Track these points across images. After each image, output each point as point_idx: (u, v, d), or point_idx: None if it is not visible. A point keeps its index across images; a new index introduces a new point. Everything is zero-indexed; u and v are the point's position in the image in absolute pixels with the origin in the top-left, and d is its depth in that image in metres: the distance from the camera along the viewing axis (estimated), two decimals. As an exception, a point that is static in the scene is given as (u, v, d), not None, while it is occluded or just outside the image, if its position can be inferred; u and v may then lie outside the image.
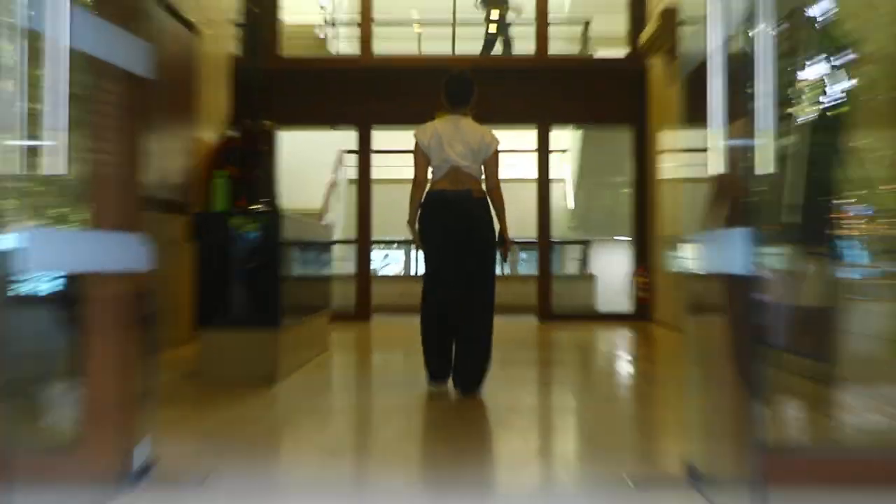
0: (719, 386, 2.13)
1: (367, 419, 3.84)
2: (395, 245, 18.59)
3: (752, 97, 1.87)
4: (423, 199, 4.40)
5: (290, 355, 5.01)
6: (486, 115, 9.23)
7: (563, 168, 14.56)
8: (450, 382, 4.44)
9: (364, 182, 9.46)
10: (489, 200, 4.39)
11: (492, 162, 4.41)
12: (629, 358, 6.46)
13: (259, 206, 4.88)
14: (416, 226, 4.43)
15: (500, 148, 4.32)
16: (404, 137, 14.91)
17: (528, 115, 9.38)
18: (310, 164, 14.25)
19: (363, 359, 6.53)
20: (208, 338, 4.69)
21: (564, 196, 14.23)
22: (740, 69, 1.97)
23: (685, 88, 2.52)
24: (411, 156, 4.51)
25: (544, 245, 9.43)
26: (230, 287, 4.64)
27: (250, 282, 4.65)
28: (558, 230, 13.88)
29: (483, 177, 4.41)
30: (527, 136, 10.58)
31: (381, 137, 11.95)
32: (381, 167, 13.48)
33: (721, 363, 2.14)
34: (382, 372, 5.61)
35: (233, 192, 4.89)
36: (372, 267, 17.51)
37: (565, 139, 14.03)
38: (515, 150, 13.96)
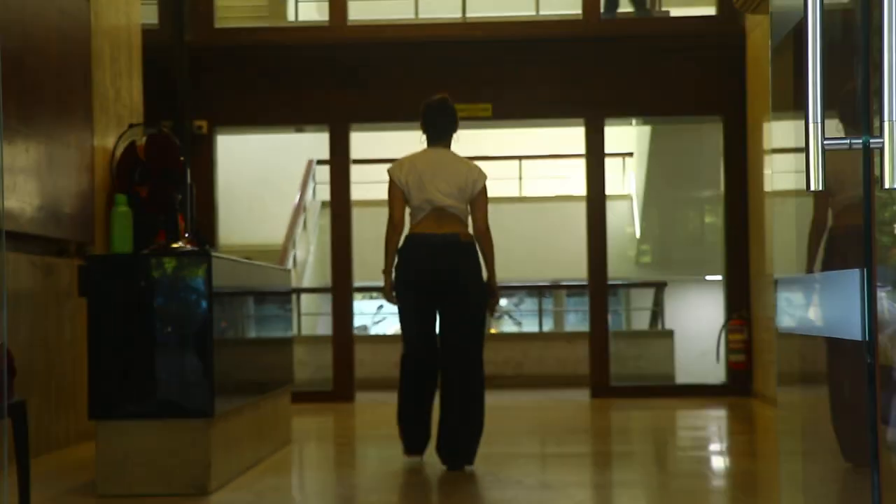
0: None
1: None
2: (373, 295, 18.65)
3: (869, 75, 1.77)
4: (401, 245, 5.09)
5: (230, 454, 4.94)
6: (510, 108, 9.46)
7: (628, 179, 14.56)
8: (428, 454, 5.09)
9: (340, 205, 9.44)
10: (477, 245, 5.10)
11: (480, 201, 5.09)
12: (721, 453, 6.33)
13: (180, 244, 4.83)
14: (393, 276, 5.15)
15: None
16: (396, 141, 15.01)
17: (570, 106, 9.35)
18: (268, 181, 14.35)
19: (339, 457, 6.45)
20: (107, 434, 4.61)
21: (630, 218, 14.22)
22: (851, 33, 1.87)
23: (781, 56, 2.46)
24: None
25: (598, 289, 9.35)
26: (138, 361, 4.58)
27: (166, 353, 4.59)
28: (620, 267, 13.87)
29: (469, 218, 5.12)
30: (571, 136, 10.51)
31: (365, 142, 12.01)
32: (365, 184, 13.59)
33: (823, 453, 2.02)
34: (363, 475, 5.52)
35: (142, 224, 4.85)
36: (359, 324, 17.65)
37: (628, 138, 14.05)
38: (552, 154, 14.08)
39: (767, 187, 8.34)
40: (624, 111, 9.63)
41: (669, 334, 11.14)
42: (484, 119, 9.45)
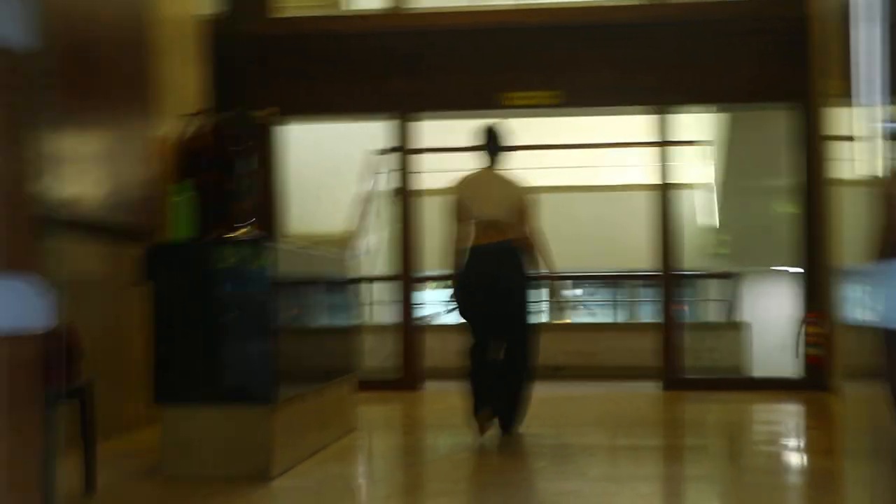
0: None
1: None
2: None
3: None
4: (467, 255, 6.18)
5: (292, 440, 4.99)
6: (578, 95, 9.33)
7: (703, 168, 14.36)
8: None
9: (407, 193, 9.44)
10: (527, 247, 6.18)
11: (527, 213, 6.20)
12: (795, 449, 6.23)
13: (243, 231, 4.88)
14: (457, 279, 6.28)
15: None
16: (463, 129, 14.82)
17: (635, 92, 9.24)
18: (334, 170, 14.39)
19: (403, 445, 6.48)
20: (172, 419, 4.70)
21: (706, 208, 14.02)
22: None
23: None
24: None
25: (669, 280, 9.24)
26: (201, 347, 4.65)
27: (230, 340, 4.65)
28: (696, 257, 13.67)
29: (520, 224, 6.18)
30: (645, 124, 10.40)
31: (432, 130, 11.98)
32: (438, 172, 13.55)
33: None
34: (427, 464, 5.54)
35: (203, 211, 4.92)
36: (428, 312, 17.56)
37: (701, 126, 13.84)
38: (625, 143, 13.91)
39: (840, 176, 8.17)
40: (692, 98, 9.44)
41: (745, 326, 10.98)
42: (552, 107, 9.36)
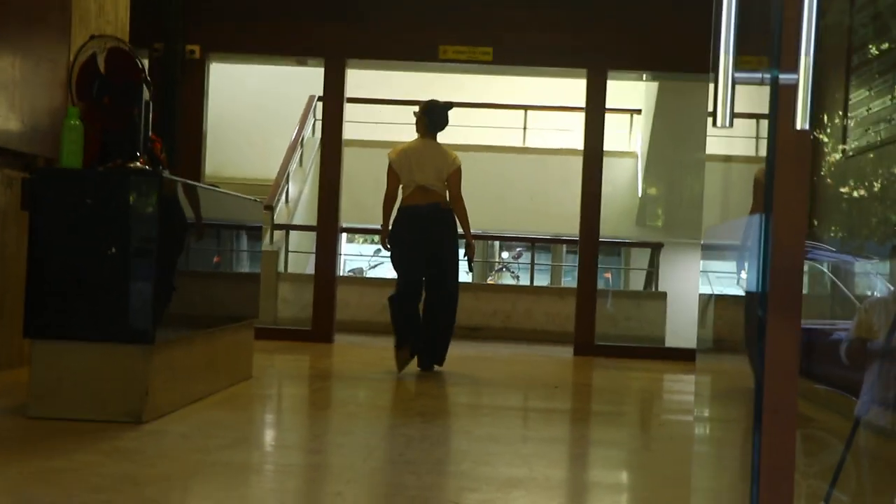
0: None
1: (263, 480, 3.60)
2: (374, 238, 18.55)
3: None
4: (396, 213, 7.01)
5: (172, 384, 4.81)
6: (511, 53, 9.22)
7: (635, 136, 14.36)
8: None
9: (331, 143, 9.25)
10: (453, 211, 7.05)
11: (454, 178, 7.05)
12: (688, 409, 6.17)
13: (136, 164, 4.66)
14: (389, 234, 7.09)
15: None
16: (395, 82, 14.69)
17: (573, 54, 9.13)
18: (271, 115, 14.18)
19: (298, 393, 6.33)
20: (41, 356, 4.49)
21: (634, 177, 14.03)
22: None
23: None
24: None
25: (588, 248, 9.17)
26: (78, 281, 4.44)
27: (107, 275, 4.44)
28: (621, 226, 13.68)
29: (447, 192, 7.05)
30: (578, 88, 10.28)
31: (365, 79, 11.78)
32: (365, 123, 13.45)
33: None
34: (317, 412, 5.40)
35: (98, 142, 4.69)
36: (355, 266, 17.57)
37: (637, 94, 13.80)
38: (558, 106, 13.84)
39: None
40: (628, 64, 9.36)
41: (662, 296, 10.97)
42: (484, 63, 9.23)
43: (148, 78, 4.96)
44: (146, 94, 4.70)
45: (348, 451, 4.25)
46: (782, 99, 1.67)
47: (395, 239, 7.08)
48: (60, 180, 4.55)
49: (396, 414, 5.49)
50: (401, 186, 7.08)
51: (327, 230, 9.26)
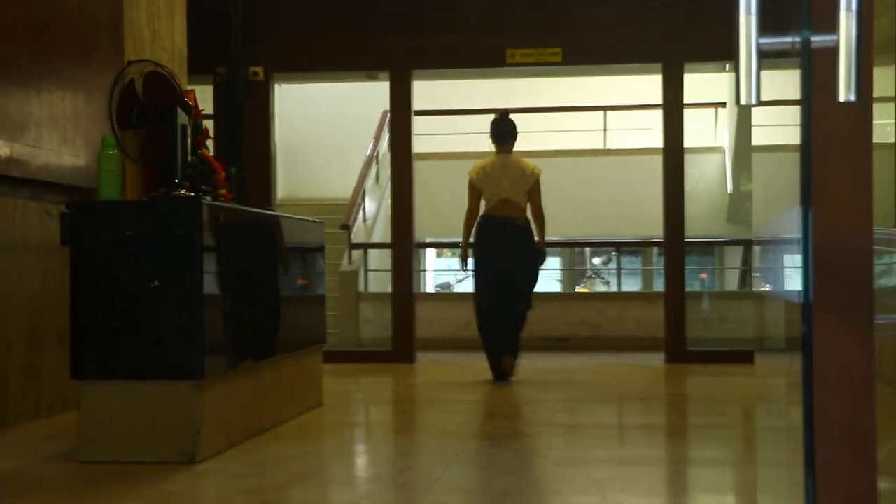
0: None
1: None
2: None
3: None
4: (476, 224, 7.29)
5: (227, 420, 4.62)
6: (581, 52, 8.94)
7: (720, 131, 13.95)
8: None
9: (400, 156, 9.06)
10: (532, 221, 7.32)
11: (534, 190, 7.29)
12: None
13: (179, 192, 4.49)
14: (469, 248, 7.39)
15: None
16: (470, 90, 14.52)
17: (646, 48, 8.78)
18: (346, 133, 14.10)
19: (369, 420, 6.11)
20: (90, 396, 4.33)
21: (722, 172, 13.61)
22: None
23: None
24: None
25: (673, 249, 8.82)
26: (122, 318, 4.27)
27: (151, 309, 4.27)
28: (712, 224, 13.27)
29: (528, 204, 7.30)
30: (652, 86, 9.95)
31: (436, 89, 11.59)
32: (445, 135, 13.27)
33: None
34: (386, 444, 5.15)
35: (137, 171, 4.54)
36: (441, 282, 17.35)
37: (721, 87, 13.38)
38: (638, 105, 13.48)
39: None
40: (706, 54, 8.97)
41: (759, 298, 10.51)
42: (553, 64, 8.97)
43: (187, 101, 4.79)
44: (182, 118, 4.51)
45: (409, 485, 3.99)
46: (816, 66, 1.36)
47: (475, 249, 7.34)
48: (98, 213, 4.39)
49: (466, 437, 5.22)
50: (483, 201, 7.33)
51: (402, 247, 9.08)
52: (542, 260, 7.40)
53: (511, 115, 7.55)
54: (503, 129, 7.42)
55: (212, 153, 5.63)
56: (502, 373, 7.23)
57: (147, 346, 4.30)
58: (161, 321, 4.29)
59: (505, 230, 7.18)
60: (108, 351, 4.32)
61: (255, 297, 5.13)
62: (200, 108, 6.35)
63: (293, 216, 5.92)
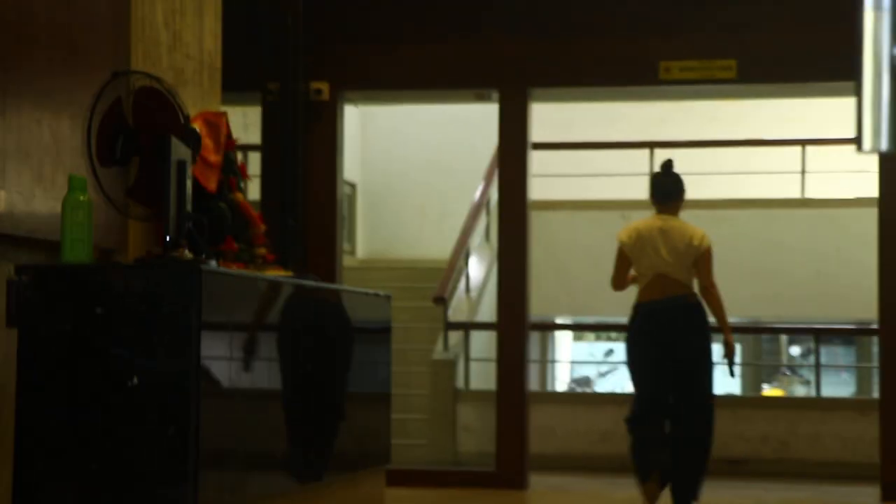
0: None
1: None
2: (617, 336, 17.88)
3: None
4: (632, 310, 7.41)
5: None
6: (751, 66, 8.66)
7: None
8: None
9: (513, 203, 8.89)
10: (705, 303, 7.33)
11: (703, 264, 7.26)
12: None
13: (179, 253, 4.35)
14: (626, 337, 7.60)
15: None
16: (614, 116, 14.54)
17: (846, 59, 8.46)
18: (451, 171, 14.03)
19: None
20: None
21: None
22: None
23: None
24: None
25: (893, 336, 8.47)
26: (84, 432, 4.14)
27: (131, 418, 4.13)
28: None
29: (696, 280, 7.32)
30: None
31: (560, 117, 11.41)
32: (569, 178, 13.05)
33: None
34: None
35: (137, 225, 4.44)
36: (579, 375, 17.10)
37: None
38: (840, 139, 13.09)
39: None
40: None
41: None
42: (725, 82, 8.77)
43: (191, 126, 4.65)
44: (180, 151, 4.34)
45: None
46: None
47: (630, 343, 7.48)
48: (57, 282, 4.25)
49: None
50: (636, 276, 7.44)
51: (512, 328, 8.90)
52: (732, 353, 7.48)
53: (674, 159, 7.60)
54: (667, 186, 7.48)
55: (252, 197, 5.52)
56: (653, 497, 7.28)
57: (119, 474, 4.14)
58: (140, 435, 4.13)
59: (673, 315, 7.26)
60: (64, 479, 4.15)
61: (281, 402, 5.00)
62: (235, 137, 6.35)
63: (346, 288, 5.89)
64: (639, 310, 7.35)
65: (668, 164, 7.55)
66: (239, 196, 6.05)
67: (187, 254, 4.45)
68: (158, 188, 4.46)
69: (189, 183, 4.50)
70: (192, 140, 4.63)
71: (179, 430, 4.11)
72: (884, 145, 1.15)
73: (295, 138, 8.80)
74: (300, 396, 5.20)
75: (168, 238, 4.34)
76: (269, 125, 8.93)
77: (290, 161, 8.75)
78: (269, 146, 8.85)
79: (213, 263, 4.49)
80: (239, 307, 4.58)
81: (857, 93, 1.38)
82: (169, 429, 4.12)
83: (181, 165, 4.39)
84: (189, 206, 4.48)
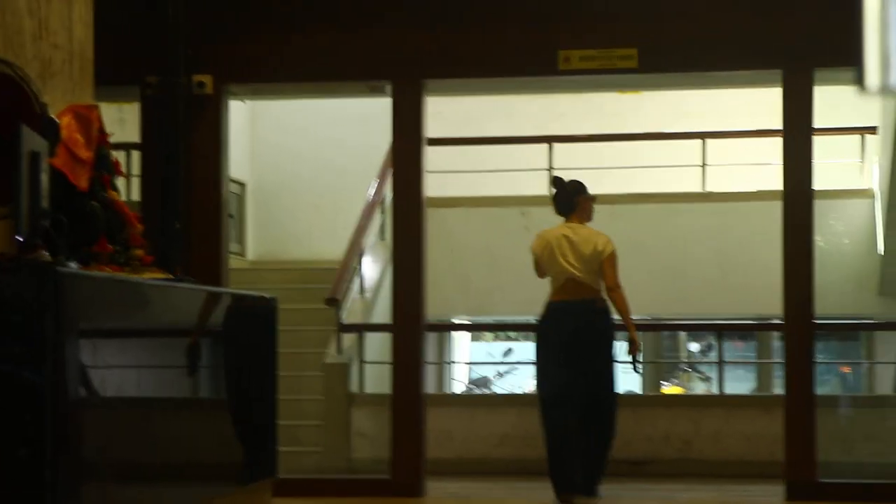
0: None
1: None
2: (516, 335, 17.72)
3: None
4: (544, 307, 8.09)
5: None
6: (664, 54, 8.55)
7: (869, 167, 13.59)
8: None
9: (406, 200, 8.66)
10: (610, 304, 8.03)
11: (607, 266, 7.94)
12: None
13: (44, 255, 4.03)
14: (536, 332, 8.23)
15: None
16: (515, 110, 14.47)
17: (758, 50, 8.40)
18: (346, 170, 13.84)
19: None
20: None
21: (871, 225, 13.23)
22: None
23: None
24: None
25: (798, 333, 8.39)
26: None
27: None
28: (862, 298, 13.06)
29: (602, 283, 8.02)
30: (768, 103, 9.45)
31: (451, 110, 11.21)
32: (468, 175, 12.88)
33: None
34: None
35: None
36: (477, 376, 16.92)
37: (869, 106, 12.98)
38: (743, 131, 13.05)
39: None
40: (846, 58, 8.48)
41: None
42: (626, 72, 8.61)
43: (50, 116, 4.32)
44: (34, 142, 4.00)
45: None
46: None
47: (539, 339, 8.12)
48: None
49: None
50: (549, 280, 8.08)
51: (407, 329, 8.68)
52: (636, 350, 8.11)
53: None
54: (560, 201, 8.13)
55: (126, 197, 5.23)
56: (573, 483, 7.81)
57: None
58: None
59: (581, 318, 7.92)
60: None
61: (152, 414, 4.71)
62: (109, 132, 6.05)
63: (228, 290, 5.68)
64: (549, 307, 8.00)
65: (555, 182, 8.27)
66: (113, 195, 5.81)
67: (45, 255, 4.16)
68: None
69: (45, 177, 4.18)
70: (50, 130, 4.30)
71: (31, 455, 3.86)
72: (894, 80, 0.93)
73: (176, 135, 8.48)
74: (174, 407, 4.95)
75: (21, 238, 4.01)
76: (148, 121, 8.58)
77: (172, 159, 8.44)
78: (149, 143, 8.51)
79: (74, 266, 4.19)
80: (105, 312, 4.33)
81: (859, 18, 1.27)
82: (20, 452, 3.85)
83: (35, 158, 4.06)
84: (45, 203, 4.15)
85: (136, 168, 9.34)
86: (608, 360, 8.02)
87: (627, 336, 8.11)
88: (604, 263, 7.94)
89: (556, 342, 7.96)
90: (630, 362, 8.14)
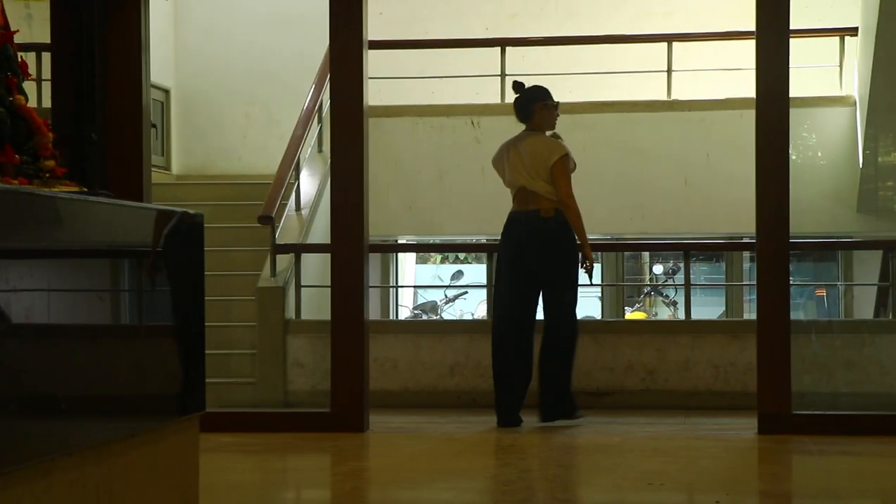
0: None
1: None
2: (466, 257, 17.67)
3: None
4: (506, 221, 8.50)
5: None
6: None
7: (849, 73, 13.64)
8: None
9: (346, 109, 8.56)
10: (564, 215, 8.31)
11: (557, 175, 8.19)
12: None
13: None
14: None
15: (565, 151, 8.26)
16: (446, 10, 14.39)
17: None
18: (277, 75, 13.81)
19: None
20: None
21: (851, 136, 13.30)
22: None
23: None
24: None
25: (772, 253, 8.41)
26: None
27: None
28: (837, 215, 13.24)
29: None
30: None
31: (395, 10, 11.10)
32: (415, 80, 12.80)
33: None
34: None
35: None
36: (425, 300, 16.90)
37: (851, 6, 13.06)
38: (711, 33, 13.03)
39: None
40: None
41: (906, 328, 10.27)
42: None
43: None
44: None
45: None
46: None
47: (499, 250, 8.55)
48: None
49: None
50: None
51: (347, 250, 8.59)
52: (589, 269, 8.48)
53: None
54: (517, 106, 8.48)
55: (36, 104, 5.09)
56: (513, 417, 8.31)
57: None
58: None
59: (527, 229, 8.25)
60: None
61: (58, 342, 4.57)
62: (14, 29, 5.93)
63: (145, 206, 5.53)
64: (509, 217, 8.38)
65: (514, 86, 8.55)
66: (20, 99, 5.69)
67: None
68: None
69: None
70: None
71: None
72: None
73: (91, 34, 8.36)
74: (88, 335, 4.83)
75: None
76: (58, 19, 8.45)
77: (86, 61, 8.31)
78: (60, 44, 8.36)
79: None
80: (12, 230, 4.17)
81: None
82: None
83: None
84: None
85: (46, 71, 9.22)
86: (563, 279, 8.31)
87: (581, 254, 8.39)
88: (552, 172, 8.19)
89: (505, 257, 8.38)
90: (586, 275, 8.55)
